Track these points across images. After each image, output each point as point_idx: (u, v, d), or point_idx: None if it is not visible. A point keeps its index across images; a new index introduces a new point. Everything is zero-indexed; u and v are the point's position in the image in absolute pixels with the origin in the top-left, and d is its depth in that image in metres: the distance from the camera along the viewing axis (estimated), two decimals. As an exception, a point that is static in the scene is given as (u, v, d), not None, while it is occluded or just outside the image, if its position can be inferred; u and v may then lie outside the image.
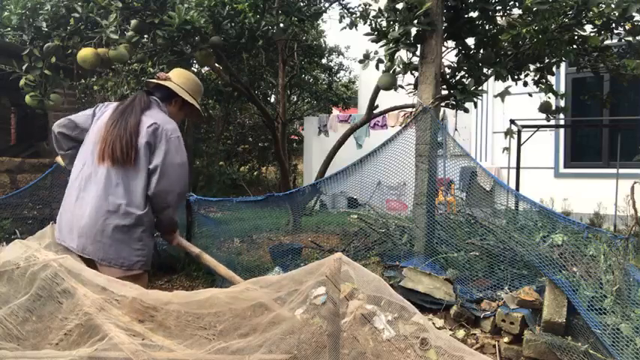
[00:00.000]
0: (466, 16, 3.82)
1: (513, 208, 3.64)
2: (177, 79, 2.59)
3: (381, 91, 4.80)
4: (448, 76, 3.92)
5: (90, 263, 2.15)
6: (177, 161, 2.32)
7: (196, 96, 2.65)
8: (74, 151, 2.47)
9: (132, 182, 2.26)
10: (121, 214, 2.23)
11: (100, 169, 2.27)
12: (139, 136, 2.28)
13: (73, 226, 2.26)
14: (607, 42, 4.23)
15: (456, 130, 8.65)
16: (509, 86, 4.11)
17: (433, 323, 2.98)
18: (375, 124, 9.73)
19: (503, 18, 3.98)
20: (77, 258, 2.12)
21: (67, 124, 2.46)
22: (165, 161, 2.28)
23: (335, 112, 12.26)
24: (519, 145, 5.92)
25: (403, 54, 3.75)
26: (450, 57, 4.02)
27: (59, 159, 2.86)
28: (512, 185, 5.83)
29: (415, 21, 3.45)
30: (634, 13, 3.58)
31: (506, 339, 2.83)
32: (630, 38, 3.99)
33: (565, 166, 7.83)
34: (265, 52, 7.28)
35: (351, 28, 5.45)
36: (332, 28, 16.63)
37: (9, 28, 4.42)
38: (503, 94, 4.00)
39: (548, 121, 5.05)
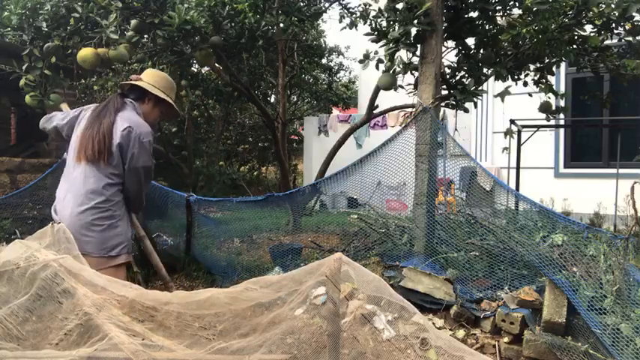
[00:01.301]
0: (466, 16, 3.81)
1: (513, 208, 3.64)
2: (149, 78, 2.73)
3: (381, 91, 4.80)
4: (448, 76, 3.92)
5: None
6: (146, 164, 2.57)
7: (168, 92, 2.77)
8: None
9: (105, 179, 2.49)
10: (97, 209, 2.46)
11: (78, 168, 2.51)
12: (112, 137, 2.48)
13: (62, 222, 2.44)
14: (607, 42, 4.23)
15: (456, 130, 8.65)
16: (509, 86, 4.11)
17: (433, 323, 2.98)
18: (375, 124, 9.74)
19: (503, 18, 3.98)
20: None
21: (55, 129, 2.79)
22: (137, 163, 2.52)
23: (335, 112, 12.26)
24: (519, 145, 5.92)
25: (403, 54, 3.75)
26: (450, 57, 4.01)
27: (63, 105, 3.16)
28: (512, 185, 5.83)
29: (415, 21, 3.44)
30: (634, 13, 3.58)
31: (506, 339, 2.83)
32: (630, 38, 3.99)
33: (565, 166, 7.83)
34: (265, 52, 7.27)
35: (351, 28, 5.45)
36: (332, 28, 16.66)
37: (9, 28, 4.41)
38: (503, 94, 4.00)
39: (548, 121, 5.05)
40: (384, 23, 3.73)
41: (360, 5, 4.47)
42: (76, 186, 2.49)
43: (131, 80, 2.72)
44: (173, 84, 2.85)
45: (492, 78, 4.08)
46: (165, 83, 2.76)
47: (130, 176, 2.55)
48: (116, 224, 2.51)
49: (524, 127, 5.91)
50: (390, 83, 3.77)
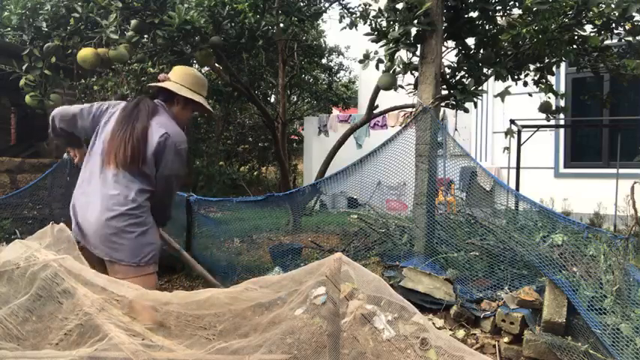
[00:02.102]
0: (466, 16, 3.81)
1: (513, 208, 3.64)
2: (176, 76, 2.57)
3: (381, 91, 4.80)
4: (448, 76, 3.92)
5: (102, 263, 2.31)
6: (179, 173, 2.46)
7: (198, 89, 2.62)
8: (66, 138, 2.65)
9: (138, 185, 2.35)
10: (129, 215, 2.31)
11: (107, 172, 2.35)
12: (148, 143, 2.34)
13: (84, 228, 2.35)
14: (607, 42, 4.23)
15: (456, 130, 8.65)
16: (509, 86, 4.11)
17: (433, 323, 2.98)
18: (375, 124, 9.73)
19: (503, 18, 3.98)
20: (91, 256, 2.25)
21: (68, 123, 2.55)
22: (171, 171, 2.41)
23: (335, 112, 12.26)
24: (519, 145, 5.92)
25: (403, 54, 3.75)
26: (450, 57, 4.01)
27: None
28: (512, 185, 5.83)
29: (415, 21, 3.44)
30: (634, 13, 3.58)
31: (506, 339, 2.83)
32: (630, 38, 3.99)
33: (565, 166, 7.83)
34: (265, 52, 7.28)
35: (351, 28, 5.45)
36: (332, 28, 16.66)
37: (9, 28, 4.42)
38: (503, 94, 4.00)
39: (548, 121, 5.05)
40: (384, 23, 3.73)
41: (360, 5, 4.47)
42: (104, 190, 2.34)
43: (159, 80, 2.57)
44: (203, 80, 2.67)
45: (492, 78, 4.08)
46: (194, 80, 2.60)
47: (161, 184, 2.42)
48: (147, 232, 2.39)
49: (524, 127, 5.91)
50: (390, 83, 3.77)
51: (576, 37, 3.98)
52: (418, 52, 3.68)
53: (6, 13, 4.33)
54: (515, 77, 4.26)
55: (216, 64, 5.65)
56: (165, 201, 2.51)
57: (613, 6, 3.59)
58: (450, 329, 3.01)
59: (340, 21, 5.49)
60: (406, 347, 1.64)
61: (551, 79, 4.60)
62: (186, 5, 4.32)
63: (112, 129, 2.40)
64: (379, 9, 3.68)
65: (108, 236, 2.28)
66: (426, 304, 3.15)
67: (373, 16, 3.76)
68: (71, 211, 2.43)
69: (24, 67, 4.28)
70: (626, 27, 3.89)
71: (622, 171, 5.87)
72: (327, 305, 1.53)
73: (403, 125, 3.77)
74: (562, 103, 5.99)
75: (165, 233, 2.74)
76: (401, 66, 3.73)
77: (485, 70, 3.97)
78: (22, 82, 4.26)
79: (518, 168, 5.93)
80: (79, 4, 4.11)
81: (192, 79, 2.59)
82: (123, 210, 2.30)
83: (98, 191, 2.34)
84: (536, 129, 5.90)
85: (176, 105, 2.57)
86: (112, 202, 2.30)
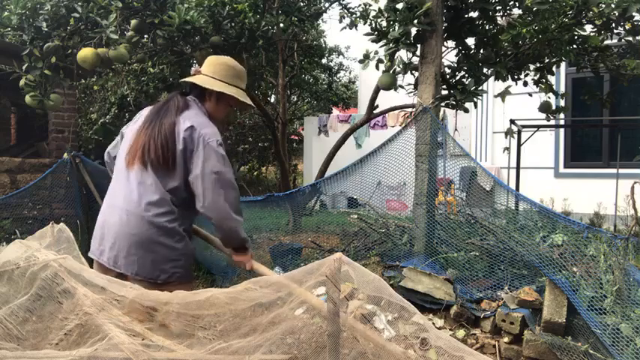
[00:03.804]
0: (466, 16, 3.82)
1: (513, 208, 3.64)
2: (208, 68, 2.25)
3: (381, 91, 4.80)
4: (448, 76, 3.92)
5: (121, 277, 1.98)
6: (215, 169, 2.05)
7: (232, 81, 2.25)
8: None
9: (165, 188, 2.06)
10: (152, 224, 2.02)
11: (132, 173, 2.09)
12: (176, 139, 2.06)
13: (104, 235, 2.10)
14: (607, 42, 4.23)
15: (456, 130, 8.65)
16: (510, 86, 4.11)
17: (433, 323, 2.98)
18: (375, 124, 9.73)
19: (504, 18, 3.98)
20: (108, 273, 1.99)
21: (109, 161, 2.37)
22: (205, 170, 2.03)
23: (335, 112, 12.27)
24: (519, 145, 5.92)
25: (403, 54, 3.75)
26: (450, 57, 4.02)
27: None
28: (512, 185, 5.83)
29: (415, 21, 3.45)
30: (634, 13, 3.58)
31: (506, 339, 2.83)
32: (630, 38, 4.00)
33: (565, 166, 7.83)
34: (265, 52, 7.27)
35: (351, 28, 5.46)
36: (332, 28, 16.63)
37: (9, 28, 4.42)
38: (503, 94, 4.00)
39: (548, 121, 5.05)
40: (384, 23, 3.73)
41: (360, 5, 4.47)
42: (128, 194, 2.07)
43: (191, 75, 2.27)
44: (237, 70, 2.29)
45: (492, 78, 4.08)
46: (227, 71, 2.24)
47: (198, 185, 2.04)
48: (173, 244, 2.05)
49: (524, 127, 5.91)
50: (390, 83, 3.77)
51: (576, 37, 3.98)
52: (418, 52, 3.68)
53: (6, 13, 4.33)
54: (515, 77, 4.26)
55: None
56: (211, 204, 2.05)
57: (613, 6, 3.59)
58: (450, 329, 3.01)
59: (340, 21, 5.50)
60: (406, 347, 1.64)
61: (551, 79, 4.60)
62: (186, 5, 4.32)
63: (138, 127, 2.16)
64: (379, 9, 3.68)
65: (126, 244, 2.01)
66: (426, 304, 3.15)
67: (373, 16, 3.76)
68: (98, 217, 2.18)
69: (24, 67, 4.27)
70: (626, 27, 3.89)
71: (622, 171, 5.87)
72: (327, 305, 1.53)
73: (403, 125, 3.78)
74: (562, 103, 5.99)
75: (260, 265, 2.22)
76: (401, 66, 3.73)
77: (485, 70, 3.97)
78: (22, 82, 4.25)
79: (518, 168, 5.93)
80: (79, 4, 4.11)
81: (224, 70, 2.24)
82: (147, 217, 2.01)
83: (123, 195, 2.08)
84: (536, 129, 5.90)
85: (208, 100, 2.25)
86: (135, 207, 2.03)
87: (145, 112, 2.25)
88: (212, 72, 2.23)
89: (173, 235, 2.06)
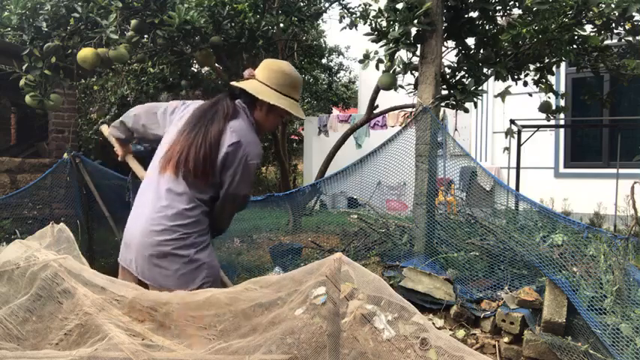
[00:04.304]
0: (466, 16, 3.82)
1: (513, 208, 3.64)
2: (263, 75, 2.08)
3: (381, 91, 4.80)
4: (448, 76, 3.92)
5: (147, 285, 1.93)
6: (245, 192, 2.07)
7: (287, 92, 2.08)
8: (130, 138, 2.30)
9: (196, 198, 1.97)
10: (178, 233, 1.93)
11: (162, 179, 1.98)
12: (219, 150, 1.95)
13: (130, 243, 2.01)
14: (607, 42, 4.24)
15: (456, 130, 8.66)
16: (510, 86, 4.11)
17: (433, 323, 2.98)
18: (375, 124, 9.74)
19: (504, 18, 3.98)
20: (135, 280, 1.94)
21: (148, 119, 2.21)
22: (236, 189, 2.01)
23: (335, 112, 12.27)
24: (519, 145, 5.92)
25: (403, 54, 3.75)
26: (450, 57, 4.02)
27: (103, 128, 2.54)
28: (512, 185, 5.83)
29: (415, 21, 3.45)
30: (634, 13, 3.58)
31: (506, 339, 2.83)
32: (630, 38, 4.00)
33: (565, 166, 7.84)
34: (265, 52, 7.28)
35: (351, 28, 5.46)
36: (332, 28, 16.60)
37: (9, 28, 4.42)
38: (503, 94, 4.01)
39: (548, 121, 5.05)
40: (384, 23, 3.73)
41: (360, 5, 4.47)
42: (155, 201, 1.97)
43: (243, 79, 2.12)
44: (294, 78, 2.11)
45: (492, 78, 4.08)
46: (282, 79, 2.07)
47: (223, 201, 2.02)
48: (196, 256, 1.96)
49: (524, 127, 5.91)
50: (390, 83, 3.77)
51: (576, 37, 3.98)
52: (418, 52, 3.68)
53: (6, 13, 4.33)
54: (515, 77, 4.26)
55: (216, 64, 5.65)
56: (223, 221, 2.15)
57: (613, 6, 3.59)
58: (450, 329, 3.01)
59: (340, 21, 5.50)
60: (406, 347, 1.64)
61: (551, 79, 4.60)
62: (186, 5, 4.32)
63: (179, 129, 2.03)
64: (379, 9, 3.69)
65: (149, 255, 1.92)
66: (426, 304, 3.15)
67: (373, 16, 3.76)
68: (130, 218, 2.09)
69: (24, 67, 4.27)
70: (626, 27, 3.89)
71: (622, 171, 5.87)
72: (327, 305, 1.53)
73: (403, 125, 3.78)
74: (562, 103, 5.99)
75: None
76: (401, 66, 3.73)
77: (485, 70, 3.98)
78: (22, 82, 4.25)
79: (518, 168, 5.93)
80: (79, 4, 4.11)
81: (280, 78, 2.07)
82: (172, 227, 1.91)
83: (150, 201, 1.98)
84: (536, 129, 5.90)
85: (258, 110, 2.09)
86: (160, 215, 1.93)
87: (193, 106, 2.12)
88: (267, 78, 2.07)
89: (195, 246, 1.97)
